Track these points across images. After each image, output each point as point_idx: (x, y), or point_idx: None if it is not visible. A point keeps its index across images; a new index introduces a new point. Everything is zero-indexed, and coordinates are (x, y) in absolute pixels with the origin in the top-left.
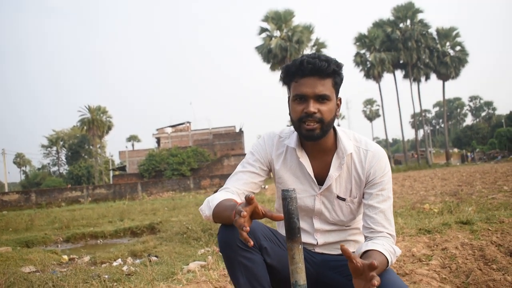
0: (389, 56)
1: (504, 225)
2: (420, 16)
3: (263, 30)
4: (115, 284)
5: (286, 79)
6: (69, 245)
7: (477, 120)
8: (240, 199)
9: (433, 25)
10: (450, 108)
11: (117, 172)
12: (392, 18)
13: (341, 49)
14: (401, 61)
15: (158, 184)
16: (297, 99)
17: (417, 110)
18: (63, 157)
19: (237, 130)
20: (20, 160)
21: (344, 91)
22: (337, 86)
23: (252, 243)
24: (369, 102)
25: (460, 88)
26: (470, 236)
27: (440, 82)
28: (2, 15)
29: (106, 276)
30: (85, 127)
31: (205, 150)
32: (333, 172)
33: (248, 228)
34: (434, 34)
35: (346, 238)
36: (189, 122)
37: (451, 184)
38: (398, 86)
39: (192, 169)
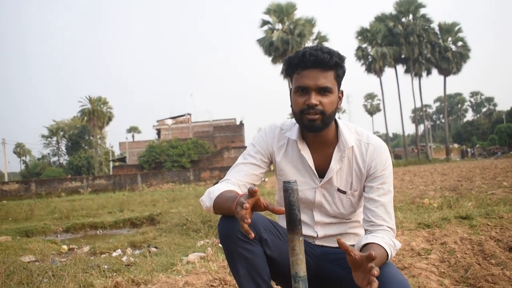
0: (391, 50)
1: (503, 220)
2: (422, 10)
3: (265, 22)
4: (114, 274)
5: (289, 71)
6: (68, 235)
7: (478, 115)
8: (241, 191)
9: (435, 20)
10: (451, 104)
11: (117, 163)
12: (394, 12)
13: (343, 43)
14: (402, 56)
15: (158, 176)
16: (299, 91)
17: (418, 105)
18: (63, 148)
19: (238, 123)
20: (20, 150)
21: (345, 85)
22: (339, 78)
23: (253, 235)
24: (370, 96)
25: (461, 83)
26: (469, 231)
27: (441, 77)
28: (5, 6)
29: (106, 267)
30: (85, 118)
31: (205, 142)
32: (334, 165)
33: (249, 220)
34: (436, 29)
35: (346, 231)
36: (189, 114)
37: (451, 179)
38: (399, 81)
39: (192, 161)
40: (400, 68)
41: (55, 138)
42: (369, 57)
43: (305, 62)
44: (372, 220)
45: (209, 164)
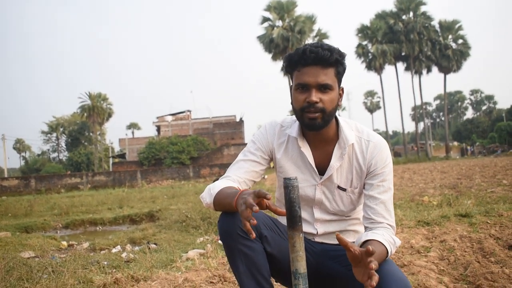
0: (391, 48)
1: (503, 218)
2: (423, 8)
3: (265, 19)
4: (114, 270)
5: (289, 68)
6: (68, 231)
7: (478, 113)
8: (241, 187)
9: (435, 17)
10: (450, 101)
11: (116, 160)
12: (395, 9)
13: (343, 40)
14: (403, 53)
15: (158, 172)
16: (299, 88)
17: (418, 102)
18: (63, 144)
19: (238, 120)
20: (20, 146)
21: (345, 83)
22: (339, 75)
23: (254, 235)
24: (370, 94)
25: (461, 81)
26: (469, 229)
27: (442, 75)
28: (6, 2)
29: (105, 263)
30: (85, 114)
31: (205, 139)
32: (334, 162)
33: (255, 221)
34: (437, 26)
35: (346, 228)
36: (189, 111)
37: (451, 177)
38: (399, 78)
39: (192, 158)
40: (400, 65)
41: (55, 134)
42: (369, 54)
43: (305, 59)
44: (372, 218)
45: (208, 161)
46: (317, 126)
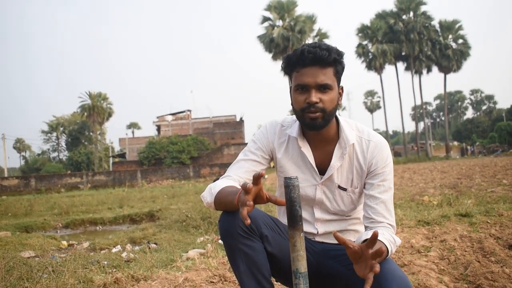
0: (391, 48)
1: (503, 218)
2: (423, 8)
3: (265, 19)
4: (114, 270)
5: (288, 69)
6: (68, 231)
7: (478, 113)
8: None
9: (436, 17)
10: (451, 101)
11: (116, 159)
12: (395, 9)
13: (344, 40)
14: (403, 53)
15: (158, 172)
16: (298, 89)
17: (418, 102)
18: (63, 143)
19: (238, 119)
20: (20, 145)
21: (345, 83)
22: (338, 75)
23: (249, 221)
24: (370, 93)
25: (461, 81)
26: (469, 229)
27: (442, 75)
28: (6, 1)
29: (105, 262)
30: (85, 114)
31: (205, 138)
32: (335, 162)
33: (252, 203)
34: (437, 26)
35: (346, 227)
36: (189, 111)
37: (451, 177)
38: (399, 78)
39: (192, 158)
40: (401, 65)
41: (55, 134)
42: (370, 54)
43: (303, 60)
44: (373, 217)
45: (209, 161)
46: (317, 125)
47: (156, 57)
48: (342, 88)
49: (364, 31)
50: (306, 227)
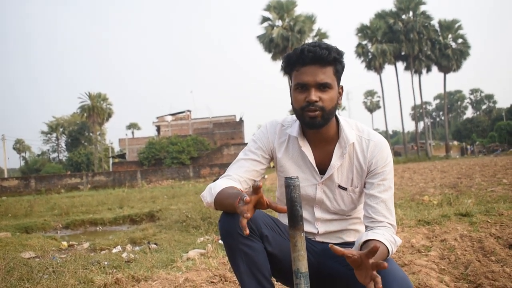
0: (391, 47)
1: (503, 217)
2: (422, 7)
3: (265, 19)
4: (114, 270)
5: (287, 69)
6: (68, 232)
7: (478, 113)
8: (242, 187)
9: (435, 17)
10: (450, 101)
11: (116, 160)
12: (394, 9)
13: (343, 40)
14: (402, 53)
15: (158, 172)
16: (298, 88)
17: (418, 102)
18: (62, 144)
19: (237, 119)
20: (19, 146)
21: (345, 82)
22: (338, 74)
23: (247, 232)
24: (370, 93)
25: (461, 80)
26: (469, 228)
27: (441, 74)
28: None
29: (106, 263)
30: (85, 114)
31: (205, 139)
32: (335, 161)
33: (249, 215)
34: (436, 26)
35: (346, 227)
36: (189, 111)
37: (451, 176)
38: (399, 78)
39: (192, 158)
40: (400, 65)
41: (54, 135)
42: (369, 54)
43: (303, 59)
44: (373, 217)
45: (208, 161)
46: (317, 124)
47: (156, 57)
48: (342, 88)
49: (363, 31)
50: (307, 227)
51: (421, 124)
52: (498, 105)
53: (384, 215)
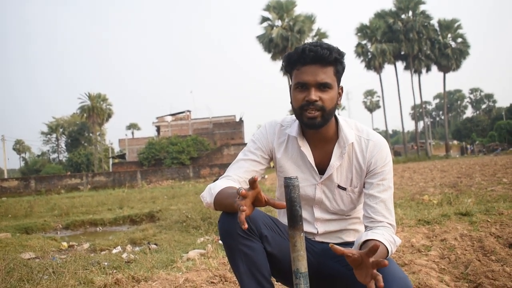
0: (391, 47)
1: (503, 217)
2: (422, 7)
3: (264, 19)
4: (114, 271)
5: (288, 67)
6: (68, 232)
7: (477, 112)
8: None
9: (435, 16)
10: (450, 100)
11: (116, 160)
12: (394, 9)
13: (343, 39)
14: (402, 53)
15: (158, 173)
16: (298, 87)
17: (418, 101)
18: (62, 144)
19: (237, 120)
20: (19, 147)
21: (344, 82)
22: (338, 74)
23: (246, 226)
24: (370, 93)
25: (460, 80)
26: (469, 228)
27: (441, 74)
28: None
29: (106, 263)
30: (85, 115)
31: (205, 139)
32: (334, 161)
33: (247, 210)
34: (436, 25)
35: (346, 227)
36: (189, 111)
37: (451, 176)
38: (398, 78)
39: (192, 158)
40: (400, 64)
41: (54, 135)
42: (369, 53)
43: (304, 58)
44: (372, 217)
45: (208, 161)
46: (316, 124)
47: (156, 57)
48: (342, 88)
49: (363, 31)
50: (306, 227)
51: (421, 124)
52: (497, 105)
53: (384, 215)
